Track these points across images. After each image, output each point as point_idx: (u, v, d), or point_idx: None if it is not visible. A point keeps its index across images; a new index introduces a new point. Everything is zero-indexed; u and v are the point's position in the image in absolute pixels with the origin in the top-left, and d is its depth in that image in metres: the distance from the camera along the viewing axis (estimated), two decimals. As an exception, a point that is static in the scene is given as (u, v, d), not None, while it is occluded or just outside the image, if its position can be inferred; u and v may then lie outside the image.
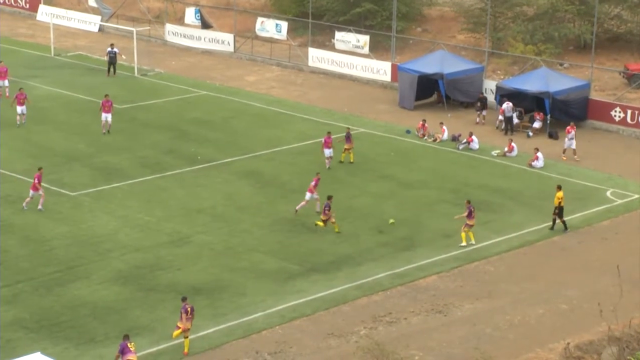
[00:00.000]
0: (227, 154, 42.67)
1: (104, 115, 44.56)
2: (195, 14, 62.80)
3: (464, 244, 33.46)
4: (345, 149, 41.89)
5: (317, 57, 57.69)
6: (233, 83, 54.82)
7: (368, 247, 33.58)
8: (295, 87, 54.51)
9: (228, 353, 26.58)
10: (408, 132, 46.53)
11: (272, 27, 60.32)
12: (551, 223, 35.16)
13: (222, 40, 61.59)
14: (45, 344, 26.22)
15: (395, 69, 53.17)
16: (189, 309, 26.44)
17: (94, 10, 67.28)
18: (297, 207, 35.41)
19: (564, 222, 35.02)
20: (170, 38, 63.55)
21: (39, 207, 35.44)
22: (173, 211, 36.21)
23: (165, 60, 59.30)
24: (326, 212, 34.22)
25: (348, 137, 42.01)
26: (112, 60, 55.13)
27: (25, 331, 27.27)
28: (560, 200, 34.76)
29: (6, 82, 48.88)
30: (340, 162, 41.53)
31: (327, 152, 40.96)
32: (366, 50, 56.70)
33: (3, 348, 26.22)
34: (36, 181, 35.69)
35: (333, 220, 34.35)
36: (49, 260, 31.75)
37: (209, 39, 61.98)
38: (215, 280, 30.84)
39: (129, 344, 25.36)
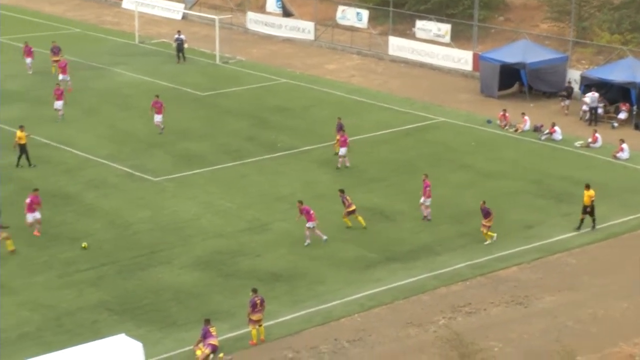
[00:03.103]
0: (306, 141, 42.83)
1: (156, 117, 43.15)
2: (277, 2, 63.13)
3: (488, 241, 32.72)
4: (338, 140, 40.68)
5: (397, 46, 57.44)
6: (313, 71, 54.97)
7: (447, 237, 33.38)
8: (375, 76, 54.40)
9: (307, 339, 26.74)
10: (489, 122, 46.06)
11: (353, 16, 60.28)
12: (579, 223, 33.95)
13: (302, 29, 61.78)
14: (129, 326, 26.71)
15: (477, 59, 52.64)
16: (257, 302, 26.51)
17: (177, -1, 68.15)
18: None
19: (593, 220, 33.87)
20: (251, 26, 63.99)
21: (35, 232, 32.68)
22: (253, 198, 36.52)
23: (247, 48, 59.76)
24: (347, 204, 33.76)
25: (340, 128, 40.95)
26: (180, 47, 55.84)
27: (109, 313, 27.85)
28: (591, 198, 33.67)
29: (67, 77, 48.96)
30: (335, 153, 40.19)
31: (343, 150, 39.55)
32: (447, 39, 56.26)
33: (88, 329, 26.81)
34: (28, 200, 32.70)
35: (350, 210, 33.72)
36: (133, 244, 32.33)
37: (290, 27, 62.22)
38: (294, 267, 31.02)
39: (210, 329, 25.72)
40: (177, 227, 33.68)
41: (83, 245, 31.88)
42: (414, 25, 58.23)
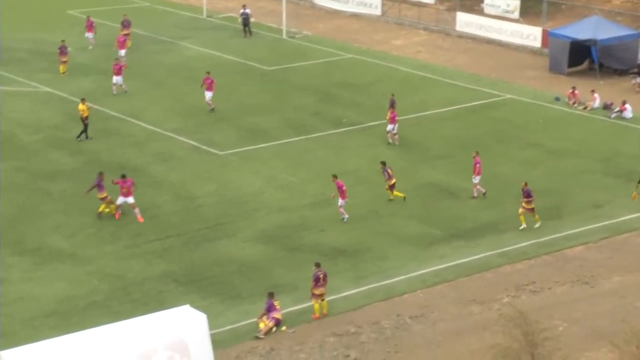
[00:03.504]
0: (371, 117, 42.71)
1: (207, 94, 42.59)
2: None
3: (523, 225, 31.80)
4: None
5: (465, 22, 56.84)
6: (379, 47, 54.72)
7: (512, 215, 33.04)
8: (442, 52, 53.95)
9: (369, 315, 26.80)
10: (557, 99, 45.39)
11: (420, -9, 59.76)
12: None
13: (369, 4, 61.47)
14: (193, 298, 27.07)
15: (546, 35, 51.84)
16: (320, 276, 26.58)
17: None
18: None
19: None
20: (318, 1, 63.88)
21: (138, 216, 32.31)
22: (317, 173, 36.60)
23: (313, 22, 59.71)
24: (388, 177, 33.63)
25: (392, 104, 40.44)
26: (245, 21, 56.01)
27: (175, 284, 28.25)
28: None
29: (122, 52, 49.15)
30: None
31: (391, 127, 39.27)
32: (516, 15, 55.50)
33: (154, 299, 27.25)
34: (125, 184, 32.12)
35: (391, 183, 33.57)
36: (198, 217, 32.69)
37: (357, 2, 61.97)
38: (358, 242, 31.05)
39: (275, 302, 25.95)
40: (241, 200, 33.95)
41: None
42: (482, 1, 57.53)
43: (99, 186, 32.25)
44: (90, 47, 52.16)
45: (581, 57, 49.99)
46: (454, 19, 57.43)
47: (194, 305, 23.76)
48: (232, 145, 39.25)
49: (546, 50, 51.49)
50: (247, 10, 56.41)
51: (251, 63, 50.90)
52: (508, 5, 55.89)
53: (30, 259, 29.49)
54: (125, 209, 32.49)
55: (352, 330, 25.93)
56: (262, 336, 25.50)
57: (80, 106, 39.04)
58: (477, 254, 30.35)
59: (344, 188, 32.30)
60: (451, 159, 38.13)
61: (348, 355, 24.75)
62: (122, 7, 61.48)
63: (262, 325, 25.75)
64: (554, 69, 49.79)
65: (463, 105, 44.53)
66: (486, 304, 27.31)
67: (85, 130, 39.02)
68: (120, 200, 31.87)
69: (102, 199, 32.27)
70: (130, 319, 20.97)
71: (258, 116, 42.84)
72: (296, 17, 58.78)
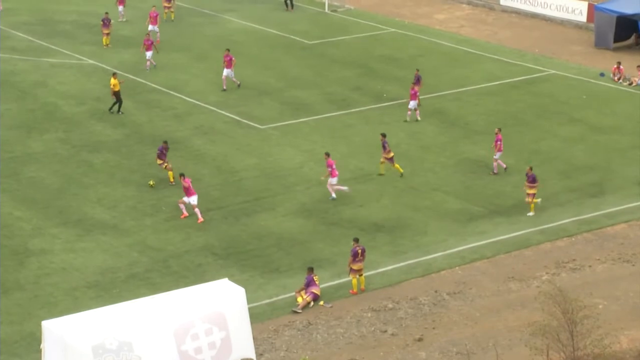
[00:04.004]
0: (413, 92, 42.44)
1: (225, 71, 41.97)
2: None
3: (532, 213, 31.01)
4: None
5: (509, -4, 56.19)
6: (422, 21, 54.32)
7: (554, 192, 32.81)
8: (485, 26, 53.42)
9: (407, 290, 26.81)
10: (602, 74, 44.79)
11: (464, -36, 59.06)
12: None
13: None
14: (232, 271, 27.28)
15: (592, 9, 51.09)
16: (359, 251, 26.60)
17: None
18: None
19: None
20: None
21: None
22: (357, 148, 36.56)
23: (355, -4, 59.36)
24: (387, 149, 33.48)
25: (418, 80, 40.16)
26: None
27: (214, 257, 28.46)
28: None
29: (156, 28, 48.61)
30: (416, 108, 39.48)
31: (413, 104, 38.83)
32: (562, -12, 54.68)
33: (193, 272, 27.51)
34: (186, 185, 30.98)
35: (389, 156, 33.37)
36: (238, 190, 32.85)
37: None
38: (397, 218, 31.03)
39: (314, 277, 26.05)
40: (281, 174, 34.04)
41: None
42: (527, -26, 56.75)
43: (161, 154, 32.98)
44: (120, 20, 51.89)
45: (627, 31, 49.23)
46: (498, -7, 56.78)
47: (233, 278, 23.96)
48: (273, 119, 39.31)
49: (592, 25, 50.76)
50: None
51: (293, 37, 50.83)
52: (553, -21, 55.10)
53: (72, 230, 29.88)
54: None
55: (390, 305, 25.97)
56: (300, 310, 25.65)
57: (112, 80, 39.14)
58: (517, 230, 30.18)
59: (334, 167, 32.07)
60: (492, 135, 37.72)
61: (385, 331, 24.82)
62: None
63: (300, 300, 25.89)
64: (600, 44, 49.10)
65: (505, 81, 44.12)
66: (525, 281, 27.20)
67: (117, 103, 39.10)
68: (185, 199, 30.83)
69: (162, 165, 32.93)
70: (169, 292, 21.17)
71: (299, 90, 42.82)
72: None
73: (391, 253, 28.81)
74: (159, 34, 48.67)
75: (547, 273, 27.63)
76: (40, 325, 18.52)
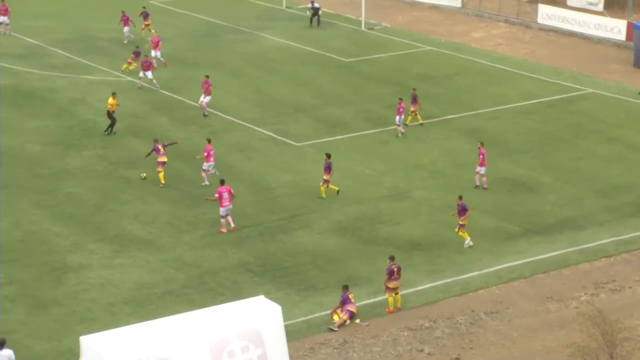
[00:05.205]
0: (449, 110, 42.38)
1: (202, 96, 41.02)
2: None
3: (468, 240, 29.87)
4: (412, 112, 40.06)
5: (547, 14, 55.95)
6: (458, 39, 54.24)
7: (592, 211, 32.50)
8: (522, 45, 53.22)
9: (443, 309, 26.63)
10: (641, 93, 44.45)
11: (501, -18, 59.01)
12: None
13: (448, -5, 60.96)
14: (268, 288, 27.25)
15: (631, 28, 50.73)
16: (395, 269, 26.46)
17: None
18: None
19: None
20: (397, -8, 63.51)
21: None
22: (393, 165, 36.48)
23: (392, 14, 59.46)
24: (329, 171, 33.29)
25: (414, 99, 40.03)
26: (316, 11, 55.96)
27: (250, 274, 28.46)
28: None
29: (159, 54, 47.11)
30: (406, 124, 39.65)
31: (398, 119, 38.87)
32: (600, 7, 54.45)
33: (230, 288, 27.51)
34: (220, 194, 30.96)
35: (325, 179, 33.19)
36: (274, 207, 32.87)
37: (436, -6, 61.47)
38: (433, 236, 30.88)
39: (350, 295, 25.95)
40: (316, 192, 34.00)
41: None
42: (565, -7, 56.59)
43: (156, 150, 34.21)
44: (125, 42, 51.28)
45: (667, 50, 48.81)
46: (535, 12, 56.56)
47: (269, 295, 23.92)
48: (309, 137, 39.35)
49: (630, 44, 50.39)
50: (316, 5, 56.50)
51: (329, 54, 50.93)
52: (592, -3, 54.91)
53: (110, 245, 30.05)
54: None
55: (427, 324, 25.80)
56: (336, 328, 25.56)
57: (110, 100, 38.87)
58: (555, 250, 29.91)
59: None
60: (529, 154, 37.63)
61: (422, 350, 24.65)
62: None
63: (336, 318, 25.79)
64: (639, 62, 48.68)
65: (543, 99, 43.90)
66: (563, 302, 26.91)
67: (112, 125, 38.74)
68: (221, 211, 30.83)
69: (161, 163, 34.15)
70: (205, 308, 21.18)
71: (335, 108, 42.85)
72: (375, 9, 58.60)
73: (428, 271, 28.65)
74: (162, 59, 47.26)
75: (585, 293, 27.33)
76: (78, 341, 18.57)
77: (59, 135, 39.05)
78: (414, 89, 41.15)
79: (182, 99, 43.24)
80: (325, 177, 33.45)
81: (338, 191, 33.50)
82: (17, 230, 30.79)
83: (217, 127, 40.41)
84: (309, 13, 56.75)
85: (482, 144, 34.41)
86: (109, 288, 27.56)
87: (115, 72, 47.19)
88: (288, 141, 38.90)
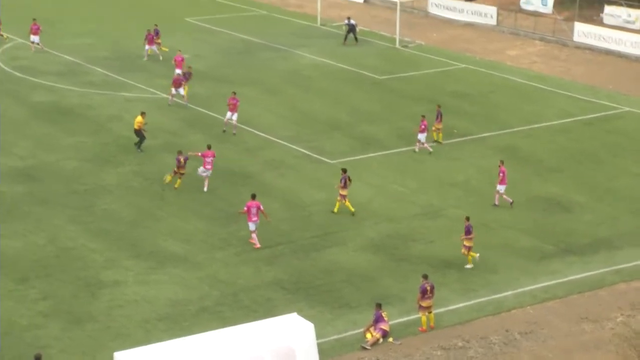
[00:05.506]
0: (483, 128, 42.28)
1: (228, 114, 41.06)
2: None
3: (470, 265, 29.72)
4: (436, 129, 40.00)
5: (583, 32, 55.70)
6: (493, 57, 54.12)
7: (629, 231, 32.22)
8: (558, 63, 52.99)
9: (477, 329, 26.49)
10: (678, 112, 44.06)
11: (537, 1, 58.92)
12: None
13: (485, 13, 60.89)
14: (301, 306, 27.27)
15: (668, 45, 50.40)
16: (428, 288, 26.38)
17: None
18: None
19: None
20: (433, 10, 63.61)
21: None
22: (427, 183, 36.42)
23: (427, 32, 59.47)
24: (343, 185, 33.35)
25: (439, 116, 40.03)
26: (352, 28, 56.12)
27: (283, 292, 28.50)
28: None
29: (180, 71, 46.68)
30: (435, 141, 39.84)
31: (422, 136, 39.03)
32: (637, 25, 54.20)
33: (263, 306, 27.55)
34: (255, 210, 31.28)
35: (342, 194, 33.26)
36: (308, 225, 32.92)
37: (472, 12, 61.46)
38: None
39: (383, 313, 25.90)
40: (351, 209, 34.01)
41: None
42: (601, 11, 56.30)
43: (178, 161, 35.24)
44: (145, 59, 51.86)
45: None
46: (571, 30, 56.34)
47: (302, 313, 23.99)
48: (343, 154, 39.40)
49: (667, 62, 50.05)
50: (352, 21, 56.69)
51: (363, 72, 51.03)
52: (629, 15, 54.56)
53: (145, 262, 30.23)
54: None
55: (460, 344, 25.67)
56: (369, 347, 25.50)
57: (139, 118, 39.19)
58: (591, 270, 29.67)
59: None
60: (565, 173, 37.42)
61: (455, 370, 24.54)
62: (239, 14, 62.61)
63: (369, 336, 25.75)
64: (675, 81, 48.36)
65: (578, 118, 43.66)
66: (599, 323, 26.66)
67: (140, 142, 39.12)
68: (250, 225, 31.11)
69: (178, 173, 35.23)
70: (239, 325, 21.29)
71: (369, 125, 42.90)
72: (410, 26, 58.66)
73: (461, 290, 28.53)
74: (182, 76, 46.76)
75: (622, 314, 27.06)
76: (112, 357, 18.73)
77: (96, 152, 39.42)
78: (439, 106, 41.13)
79: (217, 115, 43.49)
80: (342, 192, 33.41)
81: (353, 213, 33.37)
82: (53, 245, 31.09)
83: (251, 144, 40.59)
84: (344, 29, 56.99)
85: (502, 162, 34.33)
86: (143, 304, 27.72)
87: (151, 89, 47.58)
88: (322, 158, 38.98)
